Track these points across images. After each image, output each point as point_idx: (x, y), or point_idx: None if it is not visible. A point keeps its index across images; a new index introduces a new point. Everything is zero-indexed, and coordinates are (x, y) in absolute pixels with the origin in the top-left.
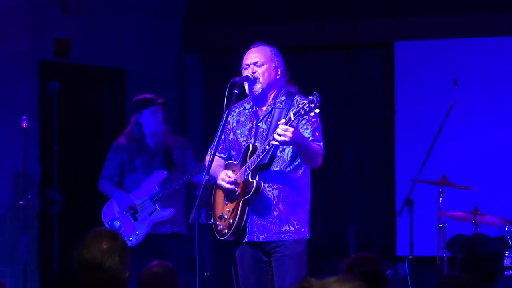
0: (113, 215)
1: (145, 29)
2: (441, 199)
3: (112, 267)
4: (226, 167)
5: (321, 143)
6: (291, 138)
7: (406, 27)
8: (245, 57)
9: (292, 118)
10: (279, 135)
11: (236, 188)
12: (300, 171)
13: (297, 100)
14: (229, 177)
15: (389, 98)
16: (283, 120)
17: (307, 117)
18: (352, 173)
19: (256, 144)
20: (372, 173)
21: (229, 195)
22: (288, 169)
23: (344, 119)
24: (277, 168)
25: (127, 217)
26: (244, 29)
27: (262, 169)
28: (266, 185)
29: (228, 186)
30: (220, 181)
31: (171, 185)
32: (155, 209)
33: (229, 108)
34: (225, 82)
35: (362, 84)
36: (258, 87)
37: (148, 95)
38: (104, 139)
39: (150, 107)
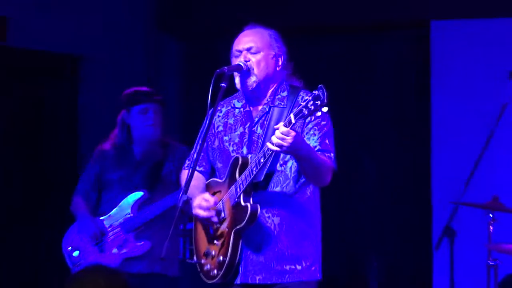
0: (74, 243)
1: (107, 5)
2: (491, 227)
3: None
4: (208, 186)
5: (332, 154)
6: (288, 146)
7: (446, 1)
8: (236, 42)
9: (293, 121)
10: (275, 142)
11: (215, 219)
12: (308, 192)
13: (302, 97)
14: (206, 200)
15: (423, 93)
16: (281, 124)
17: (313, 118)
18: (374, 192)
19: (248, 155)
20: (400, 192)
21: (216, 225)
22: (292, 189)
23: (364, 120)
24: (278, 188)
25: (91, 247)
26: (236, 5)
27: (257, 188)
28: (264, 210)
29: (205, 214)
30: (196, 210)
31: (151, 210)
32: (127, 240)
33: (214, 106)
34: (210, 72)
35: (388, 75)
36: (252, 80)
37: (141, 88)
38: (45, 141)
39: (141, 104)
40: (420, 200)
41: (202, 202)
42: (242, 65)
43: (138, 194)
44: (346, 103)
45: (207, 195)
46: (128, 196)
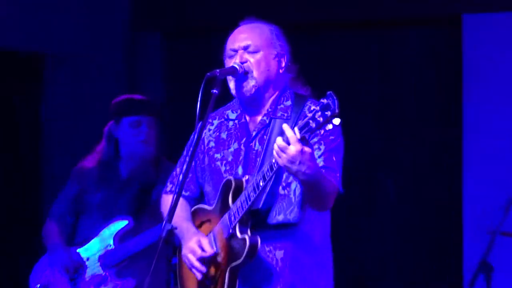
0: (44, 279)
1: (82, 1)
2: None
3: None
4: (194, 215)
5: (338, 174)
6: (290, 161)
7: None
8: (230, 39)
9: (298, 136)
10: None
11: (202, 273)
12: (316, 218)
13: (309, 107)
14: (203, 250)
15: (453, 96)
16: (279, 139)
17: (322, 132)
18: (394, 218)
19: (244, 177)
20: (425, 219)
21: (209, 261)
22: (297, 216)
23: (383, 129)
24: (280, 216)
25: (64, 284)
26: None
27: (255, 217)
28: (264, 243)
29: (197, 266)
30: (187, 255)
31: (136, 242)
32: (107, 277)
33: (204, 118)
34: (198, 74)
35: (411, 76)
36: (250, 85)
37: (134, 96)
38: (7, 145)
39: (133, 115)
40: (449, 227)
41: (197, 250)
42: (238, 67)
43: (121, 223)
44: (362, 109)
45: (205, 242)
46: (110, 225)
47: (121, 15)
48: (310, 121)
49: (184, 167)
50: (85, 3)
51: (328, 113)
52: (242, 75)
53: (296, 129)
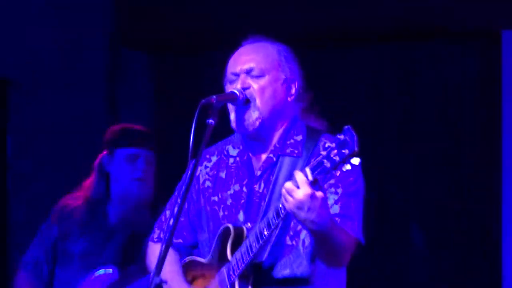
0: None
1: (49, 12)
2: None
3: None
4: (187, 269)
5: (357, 223)
6: (297, 206)
7: None
8: (231, 62)
9: (310, 178)
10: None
11: None
12: (328, 273)
13: (324, 143)
14: None
15: (491, 121)
16: (289, 184)
17: (338, 173)
18: (423, 272)
19: (244, 226)
20: (459, 271)
21: None
22: (307, 270)
23: (412, 161)
24: (287, 271)
25: None
26: (228, 9)
27: (258, 272)
28: None
29: None
30: None
31: None
32: None
33: (198, 153)
34: (192, 102)
35: (444, 97)
36: (253, 117)
37: (132, 126)
38: None
39: (129, 147)
40: (489, 283)
41: None
42: (238, 93)
43: (108, 274)
44: (386, 136)
45: None
46: (93, 275)
47: (101, 33)
48: (325, 161)
49: (176, 209)
50: (58, 20)
51: (346, 151)
52: (243, 104)
53: (307, 169)
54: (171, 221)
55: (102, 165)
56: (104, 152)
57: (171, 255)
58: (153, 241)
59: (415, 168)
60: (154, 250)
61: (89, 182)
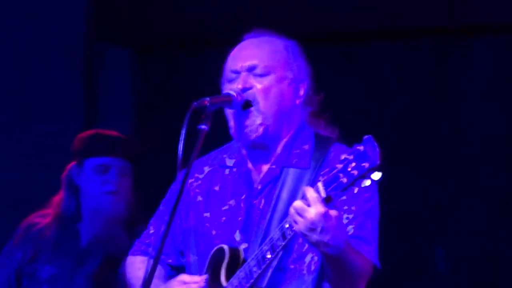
0: None
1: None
2: None
3: None
4: None
5: (373, 246)
6: (309, 227)
7: None
8: (231, 58)
9: (323, 194)
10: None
11: None
12: None
13: (336, 154)
14: (186, 283)
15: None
16: (298, 202)
17: (356, 190)
18: None
19: (240, 247)
20: None
21: None
22: None
23: (431, 183)
24: None
25: None
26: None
27: None
28: None
29: None
30: None
31: None
32: None
33: (189, 164)
34: (182, 104)
35: (478, 99)
36: (256, 124)
37: (104, 132)
38: None
39: (98, 155)
40: None
41: None
42: (235, 94)
43: None
44: (408, 152)
45: (186, 277)
46: None
47: (77, 28)
48: (341, 175)
49: (161, 227)
50: (34, 15)
51: (366, 164)
52: (243, 106)
53: (319, 184)
54: (160, 236)
55: (71, 178)
56: (73, 163)
57: (159, 274)
58: (134, 254)
59: (443, 189)
60: (133, 262)
61: (58, 198)
